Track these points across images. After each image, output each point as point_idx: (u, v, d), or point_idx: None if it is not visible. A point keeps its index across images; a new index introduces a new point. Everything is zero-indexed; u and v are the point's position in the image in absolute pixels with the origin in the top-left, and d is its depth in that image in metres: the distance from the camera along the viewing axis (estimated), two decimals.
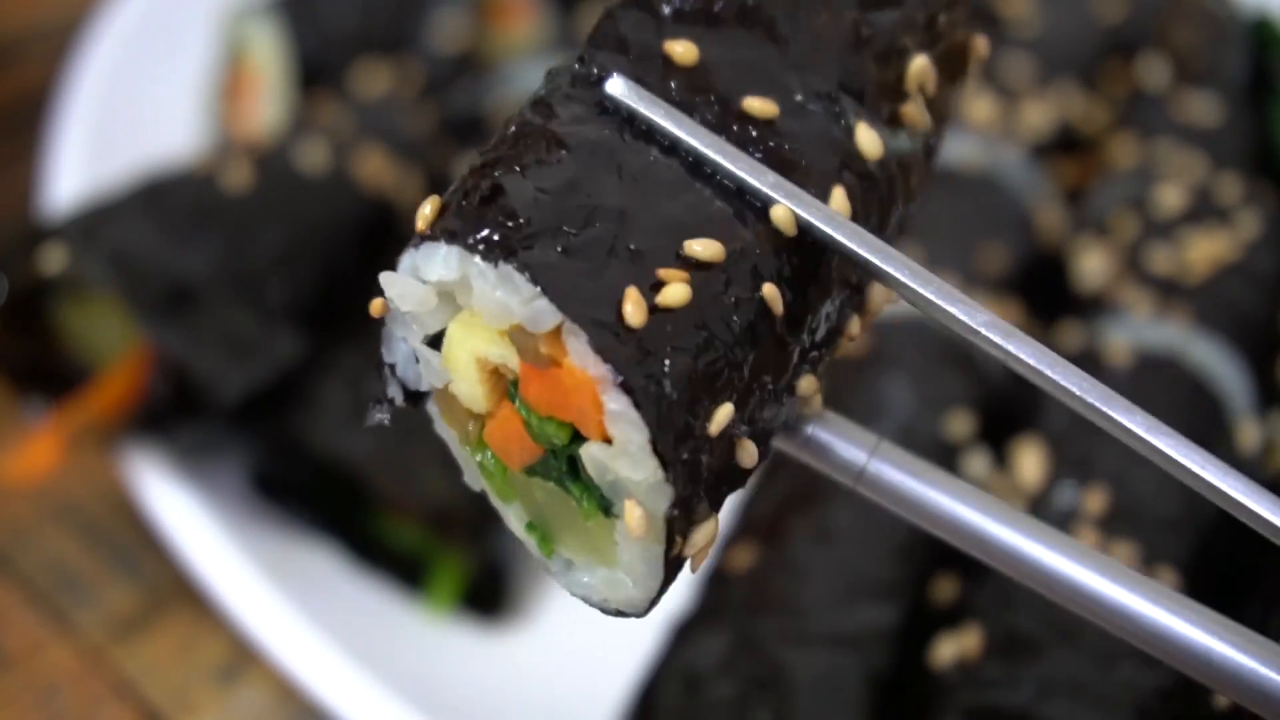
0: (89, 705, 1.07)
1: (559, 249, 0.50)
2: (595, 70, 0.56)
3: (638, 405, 0.49)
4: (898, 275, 0.54)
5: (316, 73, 1.44)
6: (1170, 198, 1.25)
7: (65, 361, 1.17)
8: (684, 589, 1.01)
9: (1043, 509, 1.01)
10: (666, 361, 0.50)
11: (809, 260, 0.54)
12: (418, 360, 0.55)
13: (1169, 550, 0.98)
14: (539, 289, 0.49)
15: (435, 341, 0.54)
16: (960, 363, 1.15)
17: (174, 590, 1.14)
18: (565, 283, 0.50)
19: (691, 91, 0.56)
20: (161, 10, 1.50)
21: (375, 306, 0.55)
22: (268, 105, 1.44)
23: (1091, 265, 1.24)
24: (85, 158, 1.32)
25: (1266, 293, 1.21)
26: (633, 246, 0.51)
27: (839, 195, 0.55)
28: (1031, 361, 0.53)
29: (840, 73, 0.58)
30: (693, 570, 0.54)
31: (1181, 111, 1.38)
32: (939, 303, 0.53)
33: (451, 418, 0.56)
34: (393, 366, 0.56)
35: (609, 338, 0.49)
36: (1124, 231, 1.25)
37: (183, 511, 1.10)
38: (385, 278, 0.53)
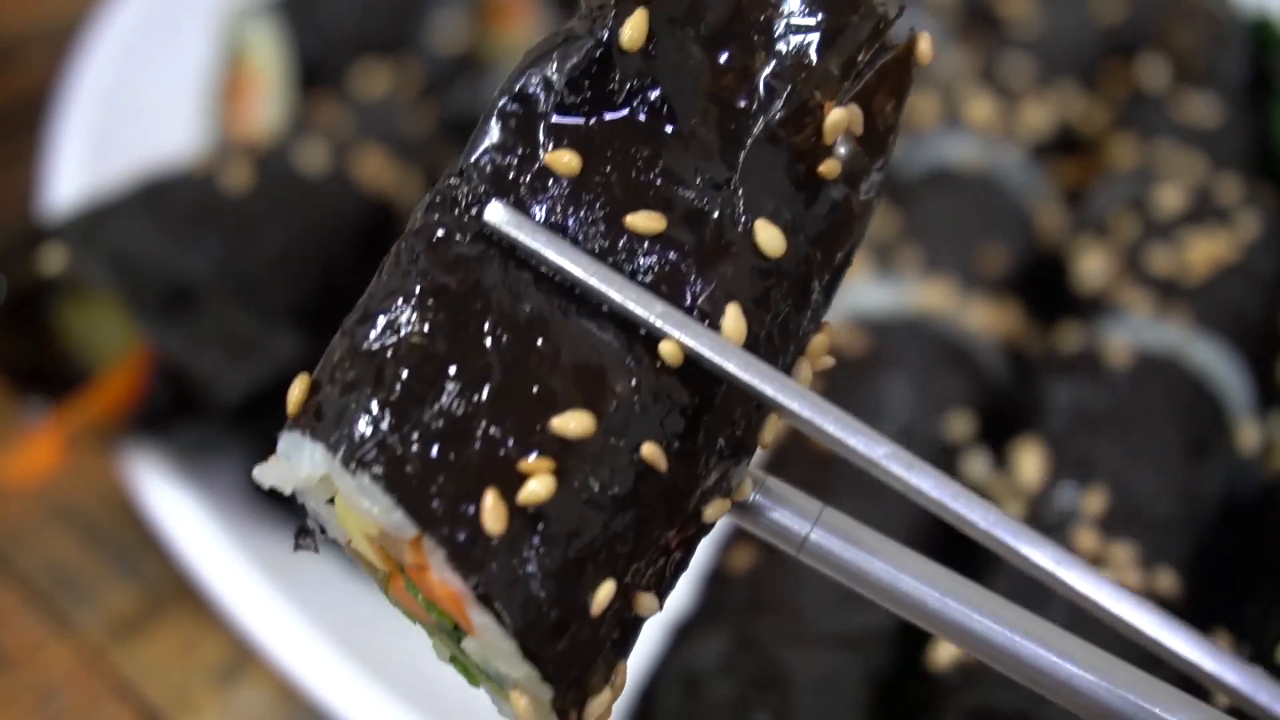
0: (89, 705, 1.07)
1: (417, 450, 0.49)
2: (473, 193, 0.54)
3: (500, 618, 0.48)
4: (791, 407, 0.52)
5: (316, 73, 1.44)
6: (1170, 198, 1.25)
7: (65, 361, 1.17)
8: (684, 589, 1.01)
9: (1043, 509, 1.01)
10: (531, 562, 0.48)
11: (702, 390, 0.52)
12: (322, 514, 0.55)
13: (1169, 551, 0.98)
14: (394, 501, 0.48)
15: None
16: (960, 363, 1.15)
17: (174, 590, 1.14)
18: (422, 495, 0.48)
19: (575, 208, 0.53)
20: (161, 10, 1.50)
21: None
22: (268, 105, 1.44)
23: (1091, 266, 1.24)
24: (85, 158, 1.32)
25: (1266, 293, 1.21)
26: (496, 434, 0.49)
27: (732, 315, 0.52)
28: (934, 494, 0.51)
29: (741, 152, 0.54)
30: None
31: (1181, 112, 1.38)
32: (836, 434, 0.51)
33: (363, 565, 0.55)
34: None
35: (467, 551, 0.48)
36: (1124, 232, 1.25)
37: (183, 512, 1.10)
38: (257, 471, 0.53)
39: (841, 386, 1.10)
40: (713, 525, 0.54)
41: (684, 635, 0.98)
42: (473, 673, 0.55)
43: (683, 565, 0.54)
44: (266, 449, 1.25)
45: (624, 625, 0.52)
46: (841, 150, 0.56)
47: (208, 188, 1.23)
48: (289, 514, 1.23)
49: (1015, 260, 1.26)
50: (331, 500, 0.53)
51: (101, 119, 1.37)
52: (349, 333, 0.53)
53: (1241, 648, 0.92)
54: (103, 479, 1.19)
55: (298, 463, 0.52)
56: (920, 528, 1.05)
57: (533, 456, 0.49)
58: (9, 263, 1.14)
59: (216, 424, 1.14)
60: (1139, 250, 1.22)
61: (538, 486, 0.48)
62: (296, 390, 0.52)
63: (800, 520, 0.55)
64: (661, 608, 0.53)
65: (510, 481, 0.49)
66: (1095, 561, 0.96)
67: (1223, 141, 1.35)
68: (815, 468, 1.03)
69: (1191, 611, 0.97)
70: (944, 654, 0.94)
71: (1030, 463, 1.05)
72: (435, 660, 1.19)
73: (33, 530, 1.19)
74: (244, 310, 1.16)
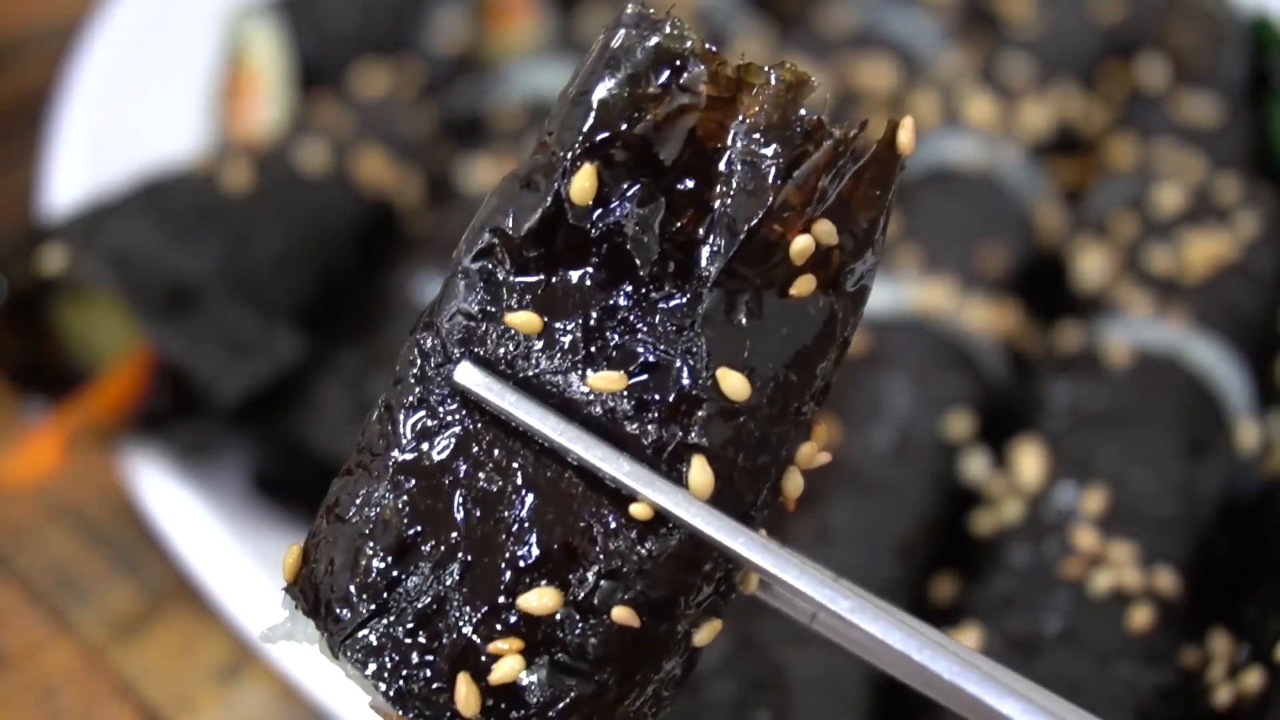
0: (89, 705, 1.07)
1: (394, 634, 0.52)
2: (443, 354, 0.56)
3: None
4: (754, 560, 0.53)
5: (316, 73, 1.44)
6: (1169, 198, 1.25)
7: (65, 361, 1.17)
8: None
9: (1042, 509, 1.01)
10: None
11: (674, 540, 0.53)
12: None
13: (1168, 550, 0.98)
14: (375, 685, 0.52)
15: None
16: (960, 363, 1.15)
17: (174, 590, 1.14)
18: (400, 680, 0.52)
19: (538, 364, 0.55)
20: (161, 10, 1.49)
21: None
22: (268, 105, 1.44)
23: (1091, 265, 1.24)
24: (85, 158, 1.32)
25: (1265, 292, 1.21)
26: (466, 615, 0.52)
27: (698, 466, 0.53)
28: (899, 646, 0.53)
29: (703, 294, 0.54)
30: None
31: (1181, 112, 1.38)
32: (799, 586, 0.52)
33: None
34: None
35: None
36: (1123, 231, 1.25)
37: (183, 511, 1.10)
38: (267, 631, 0.56)
39: (843, 385, 1.11)
40: (703, 647, 0.56)
41: None
42: None
43: (682, 682, 0.56)
44: (266, 449, 1.25)
45: None
46: (811, 270, 0.55)
47: (208, 188, 1.23)
48: (289, 514, 1.24)
49: (1015, 260, 1.26)
50: None
51: (101, 119, 1.37)
52: (332, 505, 0.56)
53: (1240, 647, 0.93)
54: (103, 479, 1.19)
55: (296, 632, 0.56)
56: (922, 526, 1.05)
57: (501, 640, 0.52)
58: (9, 263, 1.14)
59: (216, 424, 1.14)
60: (1138, 250, 1.22)
61: (507, 667, 0.51)
62: (290, 559, 0.56)
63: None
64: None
65: (481, 665, 0.51)
66: (1095, 560, 0.96)
67: (1222, 141, 1.35)
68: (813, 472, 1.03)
69: (1191, 611, 0.97)
70: None
71: (1030, 462, 1.05)
72: None
73: (33, 530, 1.19)
74: (244, 310, 1.16)
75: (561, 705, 0.51)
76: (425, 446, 0.55)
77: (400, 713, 0.52)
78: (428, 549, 0.53)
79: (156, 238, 1.16)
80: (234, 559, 1.07)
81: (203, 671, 1.10)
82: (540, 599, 0.52)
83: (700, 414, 0.54)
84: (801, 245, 0.54)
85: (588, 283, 0.55)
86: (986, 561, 1.01)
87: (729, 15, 1.55)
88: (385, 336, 1.22)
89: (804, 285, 0.55)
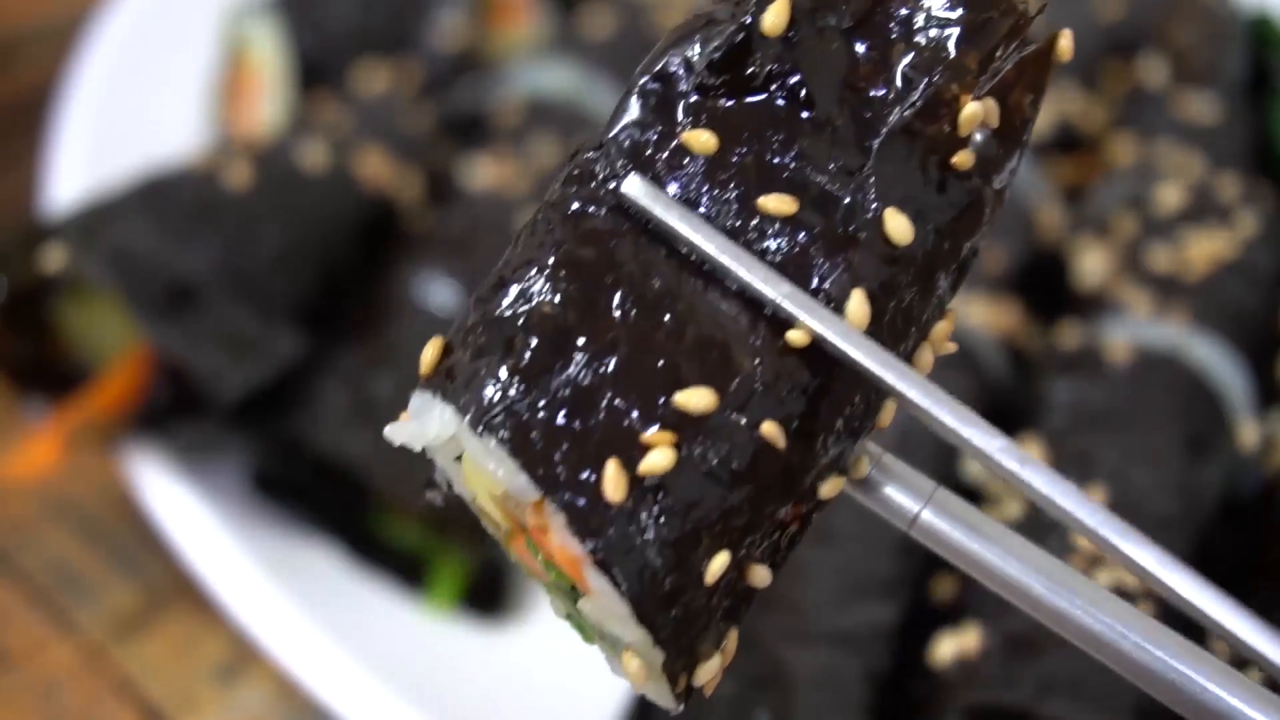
0: (89, 704, 1.07)
1: (543, 417, 0.51)
2: (611, 167, 0.55)
3: (616, 583, 0.49)
4: (909, 395, 0.53)
5: (316, 72, 1.44)
6: (1170, 197, 1.25)
7: (65, 361, 1.17)
8: None
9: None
10: (649, 533, 0.49)
11: (824, 371, 0.53)
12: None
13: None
14: (519, 466, 0.50)
15: None
16: (960, 361, 1.15)
17: (174, 589, 1.14)
18: (546, 461, 0.50)
19: (709, 187, 0.55)
20: (161, 10, 1.49)
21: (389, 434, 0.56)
22: (268, 104, 1.44)
23: (1091, 264, 1.24)
24: (85, 158, 1.32)
25: (1266, 291, 1.21)
26: (620, 406, 0.51)
27: (856, 300, 0.53)
28: (1044, 489, 0.52)
29: (876, 141, 0.55)
30: (706, 695, 0.54)
31: (1181, 111, 1.38)
32: (952, 424, 0.53)
33: (486, 520, 0.57)
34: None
35: (587, 517, 0.49)
36: (1123, 231, 1.25)
37: (183, 511, 1.10)
38: (389, 431, 0.55)
39: None
40: (828, 502, 0.55)
41: None
42: (588, 631, 0.56)
43: (797, 539, 0.55)
44: (266, 448, 1.26)
45: (736, 595, 0.53)
46: (976, 142, 0.57)
47: (208, 186, 1.23)
48: (289, 513, 1.24)
49: (1015, 258, 1.26)
50: (459, 458, 0.55)
51: (101, 119, 1.37)
52: (482, 299, 0.54)
53: None
54: (103, 478, 1.19)
55: (427, 422, 0.53)
56: (910, 542, 1.05)
57: (654, 429, 0.50)
58: (9, 262, 1.14)
59: (217, 423, 1.14)
60: (1139, 248, 1.22)
61: (658, 458, 0.50)
62: (430, 352, 0.54)
63: (913, 498, 0.56)
64: (774, 578, 0.54)
65: (632, 452, 0.50)
66: (1095, 559, 0.96)
67: (1222, 140, 1.35)
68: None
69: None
70: (945, 651, 0.94)
71: None
72: (435, 660, 1.20)
73: (34, 529, 1.19)
74: (245, 309, 1.16)
75: (699, 513, 0.50)
76: (585, 251, 0.54)
77: (543, 494, 0.50)
78: (583, 341, 0.52)
79: (156, 236, 1.16)
80: (234, 558, 1.08)
81: (203, 671, 1.10)
82: (697, 397, 0.51)
83: (863, 251, 0.54)
84: (971, 112, 0.55)
85: (766, 114, 0.56)
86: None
87: None
88: (385, 336, 1.22)
89: (965, 158, 0.56)
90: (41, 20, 1.64)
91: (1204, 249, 1.19)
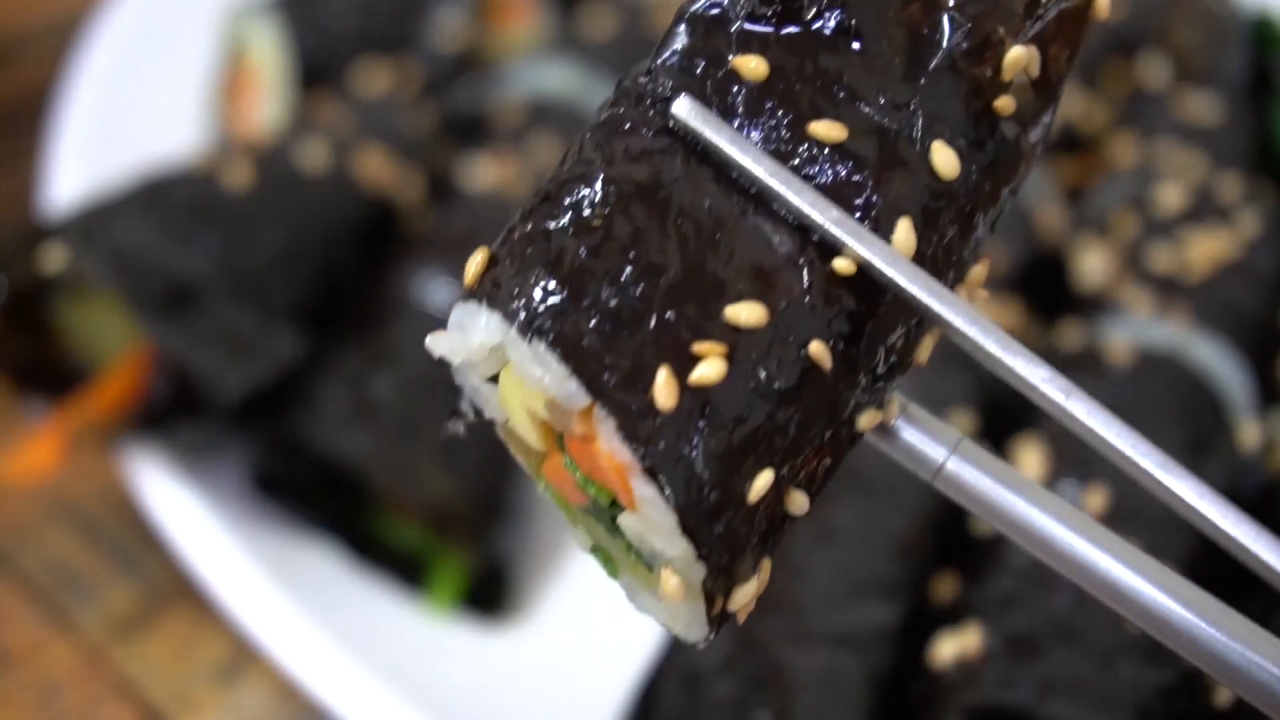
0: (89, 705, 1.07)
1: (594, 323, 0.50)
2: (660, 89, 0.55)
3: (663, 491, 0.49)
4: (955, 323, 0.53)
5: (317, 72, 1.44)
6: (1170, 197, 1.25)
7: (65, 361, 1.17)
8: None
9: None
10: (697, 442, 0.49)
11: (869, 299, 0.53)
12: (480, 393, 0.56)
13: (1169, 549, 0.98)
14: (569, 370, 0.49)
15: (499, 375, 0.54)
16: (960, 362, 1.15)
17: (174, 590, 1.14)
18: (596, 365, 0.49)
19: (758, 112, 0.55)
20: (161, 10, 1.50)
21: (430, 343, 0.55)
22: (268, 105, 1.44)
23: (1092, 264, 1.24)
24: (85, 158, 1.32)
25: (1267, 292, 1.21)
26: (670, 317, 0.50)
27: (903, 229, 0.53)
28: (1087, 420, 0.53)
29: (923, 76, 0.56)
30: (739, 622, 0.54)
31: (1182, 111, 1.38)
32: (996, 353, 0.53)
33: (516, 447, 0.56)
34: (463, 388, 0.57)
35: (638, 423, 0.49)
36: (1124, 231, 1.25)
37: (183, 511, 1.10)
38: (431, 340, 0.54)
39: None
40: (863, 435, 0.55)
41: None
42: (616, 561, 0.56)
43: (832, 470, 0.55)
44: (266, 449, 1.26)
45: (774, 520, 0.52)
46: (1014, 91, 0.57)
47: (208, 186, 1.23)
48: (289, 514, 1.24)
49: (1016, 258, 1.26)
50: (493, 380, 0.54)
51: (101, 119, 1.37)
52: (530, 213, 0.54)
53: None
54: (103, 478, 1.19)
55: (471, 332, 0.52)
56: (922, 526, 1.05)
57: (706, 341, 0.50)
58: (9, 262, 1.14)
59: (217, 423, 1.14)
60: (1139, 249, 1.22)
61: (709, 369, 0.49)
62: (475, 263, 0.53)
63: (938, 447, 0.56)
64: (810, 508, 0.53)
65: (683, 361, 0.50)
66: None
67: (1223, 140, 1.35)
68: None
69: None
70: (945, 652, 0.94)
71: (1031, 461, 1.05)
72: (435, 660, 1.20)
73: (33, 529, 1.19)
74: (244, 309, 1.16)
75: (746, 429, 0.50)
76: (634, 168, 0.53)
77: (593, 399, 0.49)
78: (633, 254, 0.51)
79: (157, 236, 1.16)
80: (234, 559, 1.07)
81: (203, 671, 1.10)
82: (748, 311, 0.51)
83: (911, 182, 0.54)
84: (1015, 56, 0.56)
85: (816, 45, 0.56)
86: (986, 561, 1.01)
87: None
88: (385, 336, 1.22)
89: (1006, 104, 0.57)
90: (41, 20, 1.64)
91: (1205, 249, 1.19)
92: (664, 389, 0.49)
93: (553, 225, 0.52)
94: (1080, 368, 1.12)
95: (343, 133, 1.33)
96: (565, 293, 0.51)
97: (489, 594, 1.16)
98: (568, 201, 0.53)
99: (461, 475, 1.15)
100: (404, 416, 1.17)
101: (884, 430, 0.56)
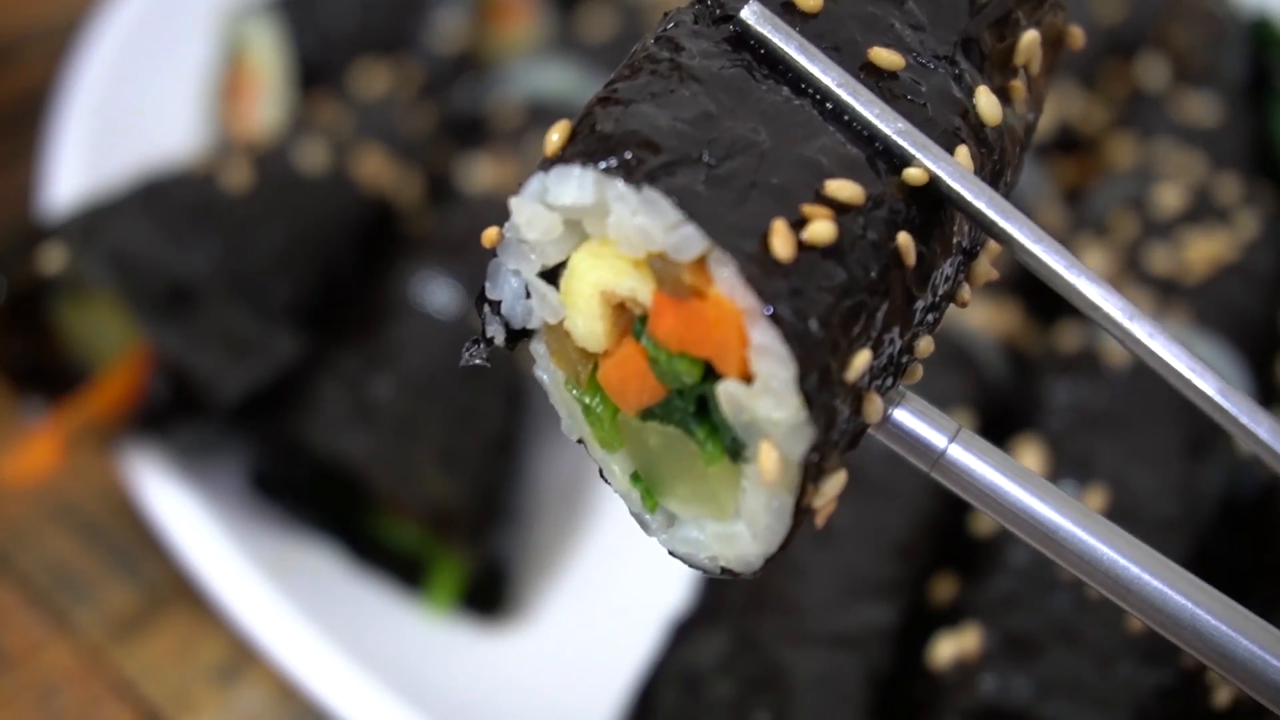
0: (88, 705, 1.07)
1: (701, 178, 0.49)
2: (720, 8, 0.55)
3: (786, 339, 0.47)
4: (1019, 237, 0.53)
5: (316, 73, 1.44)
6: (1169, 198, 1.25)
7: (65, 361, 1.17)
8: (684, 589, 1.01)
9: None
10: (813, 299, 0.48)
11: (935, 215, 0.53)
12: (528, 295, 0.54)
13: (1168, 549, 0.98)
14: (685, 215, 0.48)
15: (549, 276, 0.53)
16: (960, 362, 1.15)
17: (174, 590, 1.14)
18: (711, 211, 0.48)
19: (817, 39, 0.55)
20: (161, 10, 1.50)
21: (488, 236, 0.53)
22: (267, 105, 1.44)
23: (1091, 265, 1.24)
24: (85, 158, 1.32)
25: (1266, 292, 1.21)
26: (775, 181, 0.50)
27: (963, 153, 0.54)
28: (1149, 342, 0.53)
29: (959, 36, 0.57)
30: (818, 524, 0.53)
31: (1181, 111, 1.38)
32: (1058, 269, 0.53)
33: (561, 357, 0.54)
34: (496, 304, 0.54)
35: (757, 269, 0.48)
36: (1123, 231, 1.25)
37: (182, 511, 1.10)
38: (514, 202, 0.52)
39: None
40: (918, 359, 0.56)
41: (683, 634, 0.98)
42: (661, 485, 0.54)
43: (897, 382, 0.55)
44: (266, 449, 1.25)
45: (856, 420, 0.52)
46: (1020, 79, 0.59)
47: (207, 187, 1.23)
48: (289, 514, 1.24)
49: (1016, 259, 1.26)
50: (551, 276, 0.52)
51: (101, 119, 1.37)
52: (609, 95, 0.53)
53: None
54: (103, 479, 1.19)
55: (559, 194, 0.51)
56: (922, 526, 1.05)
57: (813, 204, 0.50)
58: (9, 262, 1.14)
59: (216, 423, 1.14)
60: (1139, 249, 1.22)
61: (823, 229, 0.49)
62: (555, 136, 0.52)
63: (938, 434, 0.55)
64: (883, 419, 0.53)
65: (796, 218, 0.49)
66: None
67: (1222, 141, 1.35)
68: None
69: None
70: (944, 653, 0.94)
71: (1030, 461, 1.05)
72: (435, 660, 1.20)
73: (33, 530, 1.19)
74: (243, 310, 1.16)
75: (850, 300, 0.49)
76: (709, 62, 0.54)
77: (713, 242, 0.48)
78: (728, 124, 0.51)
79: (156, 237, 1.16)
80: (234, 559, 1.07)
81: (203, 671, 1.10)
82: (847, 189, 0.50)
83: (962, 117, 0.55)
84: (1029, 39, 0.59)
85: None
86: (986, 561, 1.01)
87: None
88: (385, 336, 1.22)
89: (1018, 88, 0.59)
90: (41, 20, 1.64)
91: (1204, 250, 1.19)
92: (782, 241, 0.48)
93: (639, 100, 0.52)
94: (1079, 369, 1.12)
95: (342, 133, 1.33)
96: (667, 151, 0.50)
97: (487, 595, 1.16)
98: (649, 84, 0.52)
99: (460, 476, 1.15)
100: (403, 417, 1.17)
101: (882, 423, 0.55)
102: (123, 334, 1.13)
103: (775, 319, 0.47)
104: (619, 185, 0.49)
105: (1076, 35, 0.62)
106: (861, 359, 0.50)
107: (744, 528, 0.52)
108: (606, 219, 0.50)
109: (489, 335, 0.55)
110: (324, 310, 1.24)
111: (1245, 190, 1.28)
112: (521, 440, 1.24)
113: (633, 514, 0.56)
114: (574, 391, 0.54)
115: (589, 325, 0.51)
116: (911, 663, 0.96)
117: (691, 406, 0.51)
